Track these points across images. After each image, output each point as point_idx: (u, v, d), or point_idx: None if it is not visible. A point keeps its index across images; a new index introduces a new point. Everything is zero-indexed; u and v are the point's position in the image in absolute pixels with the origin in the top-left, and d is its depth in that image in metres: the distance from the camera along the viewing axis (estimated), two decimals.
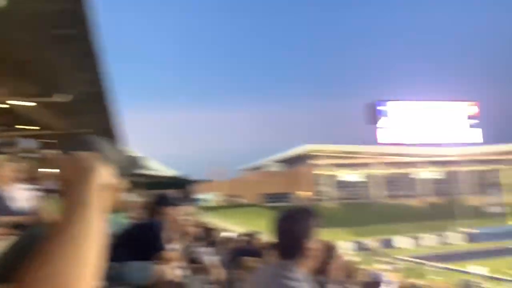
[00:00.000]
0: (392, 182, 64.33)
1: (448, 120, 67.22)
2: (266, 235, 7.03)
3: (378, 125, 65.59)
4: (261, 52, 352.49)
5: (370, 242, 44.97)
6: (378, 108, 66.42)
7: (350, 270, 4.14)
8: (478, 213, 57.36)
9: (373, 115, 66.58)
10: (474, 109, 69.36)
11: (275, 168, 71.98)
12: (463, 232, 50.76)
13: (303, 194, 57.22)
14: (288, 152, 68.17)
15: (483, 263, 34.39)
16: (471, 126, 68.13)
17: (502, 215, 56.78)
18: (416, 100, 68.15)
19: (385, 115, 66.35)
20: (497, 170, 68.17)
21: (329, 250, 2.86)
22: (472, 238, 50.00)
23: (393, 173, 65.36)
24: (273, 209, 39.79)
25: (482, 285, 26.56)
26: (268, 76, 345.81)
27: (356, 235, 47.38)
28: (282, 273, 1.78)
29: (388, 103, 67.62)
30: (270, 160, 74.99)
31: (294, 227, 1.88)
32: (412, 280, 19.74)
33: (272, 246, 3.04)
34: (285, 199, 55.77)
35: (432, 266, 33.59)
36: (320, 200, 58.56)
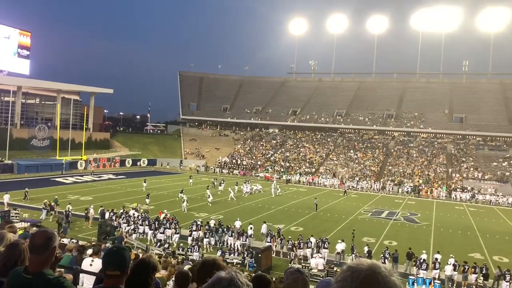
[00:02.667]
0: None
1: None
2: None
3: None
4: None
5: None
6: None
7: None
8: (23, 145, 57.41)
9: None
10: (26, 39, 67.43)
11: None
12: (3, 163, 49.59)
13: None
14: None
15: (20, 193, 35.18)
16: (21, 56, 66.17)
17: (48, 149, 59.34)
18: None
19: None
20: (48, 106, 70.25)
21: None
22: (13, 169, 49.77)
23: None
24: None
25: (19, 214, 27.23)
26: None
27: None
28: None
29: None
30: None
31: None
32: None
33: None
34: None
35: None
36: None
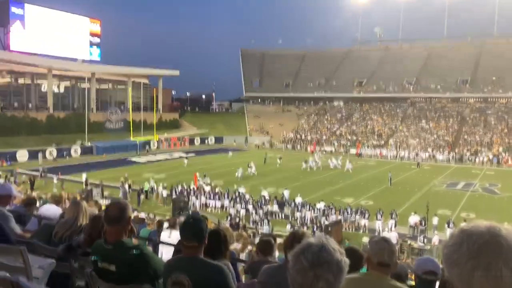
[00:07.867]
0: (12, 92, 58.79)
1: (72, 34, 65.81)
2: None
3: (11, 28, 57.00)
4: None
5: None
6: (12, 9, 57.27)
7: None
8: (99, 128, 61.15)
9: (4, 16, 56.87)
10: (96, 26, 70.78)
11: None
12: (83, 146, 53.20)
13: None
14: None
15: (100, 173, 37.61)
16: (92, 43, 69.75)
17: (122, 131, 62.71)
18: (48, 8, 62.96)
19: (20, 19, 58.20)
20: (120, 90, 73.94)
21: None
22: (92, 150, 53.28)
23: (13, 83, 59.65)
24: None
25: (102, 191, 29.17)
26: None
27: None
28: None
29: (26, 6, 59.30)
30: None
31: None
32: (35, 193, 19.25)
33: None
34: None
35: (54, 178, 33.66)
36: None
